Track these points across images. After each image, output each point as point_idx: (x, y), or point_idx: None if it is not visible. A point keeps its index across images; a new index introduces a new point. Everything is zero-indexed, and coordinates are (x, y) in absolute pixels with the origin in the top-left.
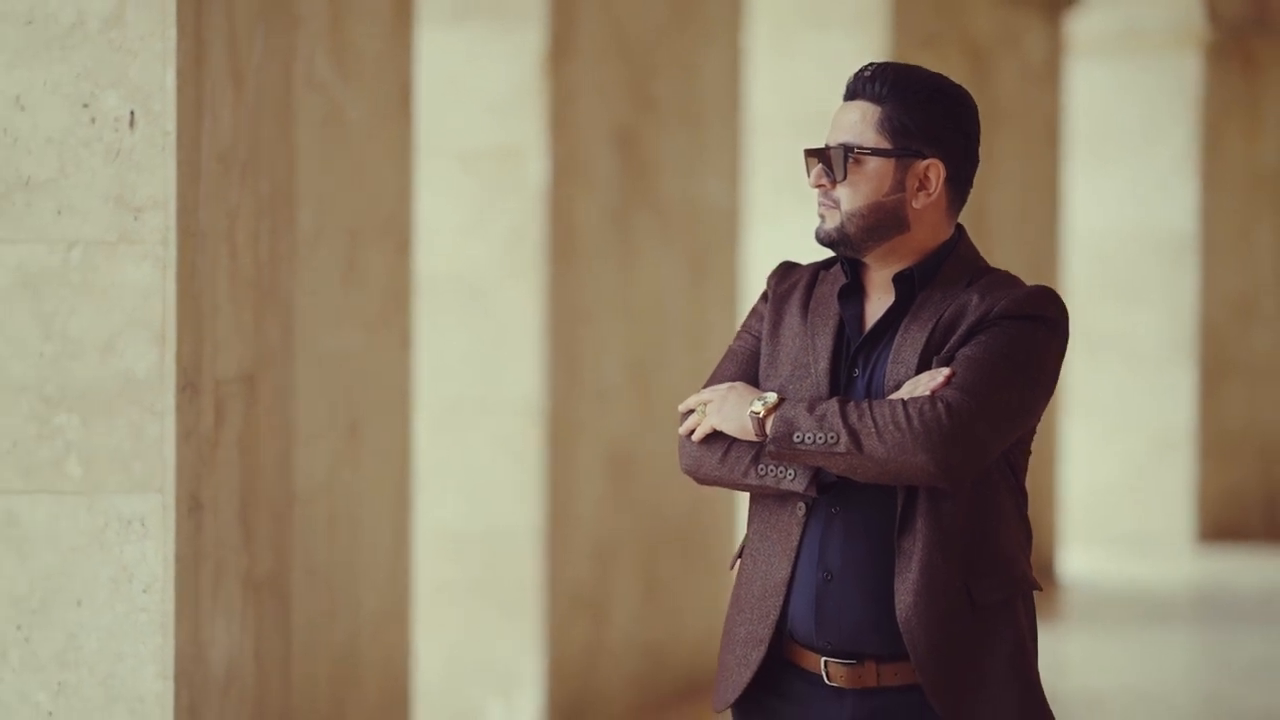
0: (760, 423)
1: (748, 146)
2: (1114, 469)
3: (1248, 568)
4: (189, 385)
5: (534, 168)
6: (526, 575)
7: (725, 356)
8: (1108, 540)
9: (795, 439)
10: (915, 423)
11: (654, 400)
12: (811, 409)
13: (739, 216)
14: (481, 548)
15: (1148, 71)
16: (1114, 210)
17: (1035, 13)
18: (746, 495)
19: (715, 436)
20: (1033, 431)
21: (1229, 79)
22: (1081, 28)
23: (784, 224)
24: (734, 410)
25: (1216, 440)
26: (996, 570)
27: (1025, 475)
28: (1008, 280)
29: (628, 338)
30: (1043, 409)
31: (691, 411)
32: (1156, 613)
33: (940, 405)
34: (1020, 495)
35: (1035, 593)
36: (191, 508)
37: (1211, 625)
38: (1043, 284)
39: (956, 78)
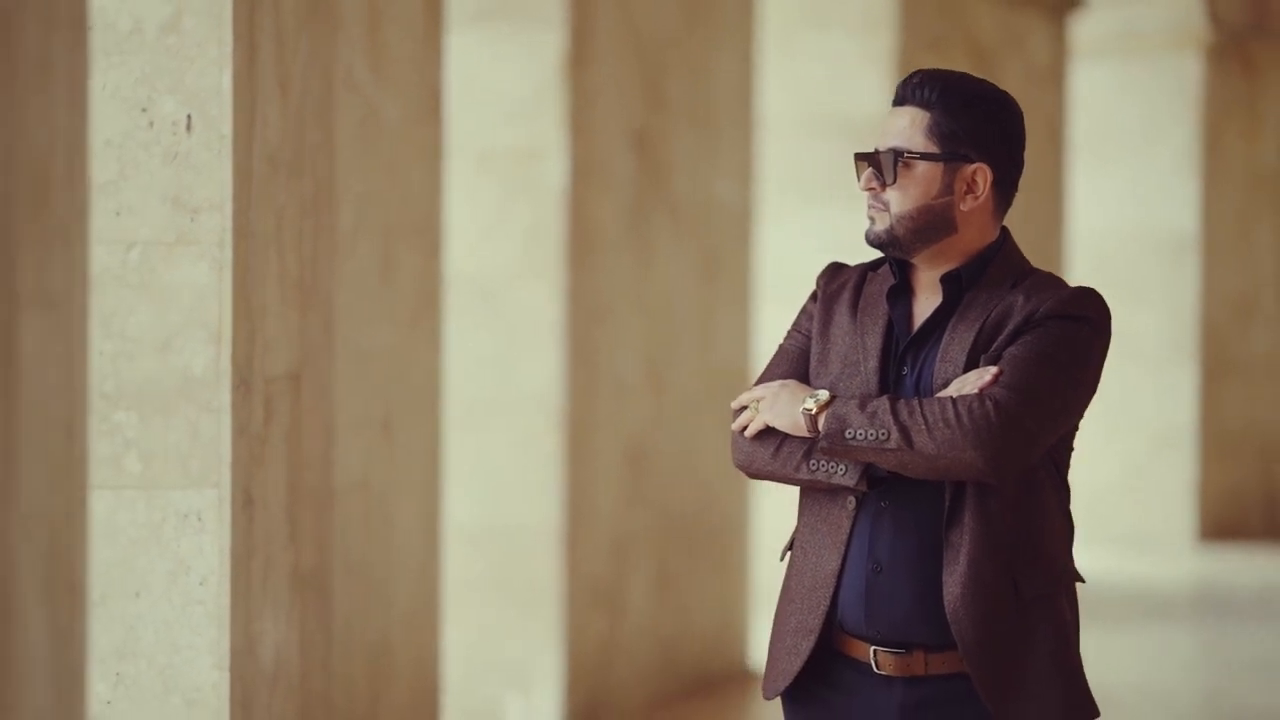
0: (813, 419)
1: (757, 147)
2: (1115, 468)
3: (1248, 566)
4: (243, 383)
5: (552, 168)
6: (544, 572)
7: (776, 355)
8: (1109, 539)
9: (847, 435)
10: (965, 420)
11: (667, 397)
12: (863, 406)
13: (750, 216)
14: (500, 545)
15: (1148, 73)
16: (1114, 210)
17: (1039, 15)
18: (763, 493)
19: (767, 432)
20: (1076, 429)
21: (1229, 80)
22: (1083, 29)
23: (788, 223)
24: (786, 407)
25: (1217, 439)
26: (1041, 563)
27: (1069, 471)
28: (1052, 281)
29: (643, 336)
30: (1086, 407)
31: (744, 408)
32: (1158, 611)
33: (989, 403)
34: (1064, 491)
35: (1078, 585)
36: (245, 503)
37: (1212, 623)
38: (1086, 285)
39: None
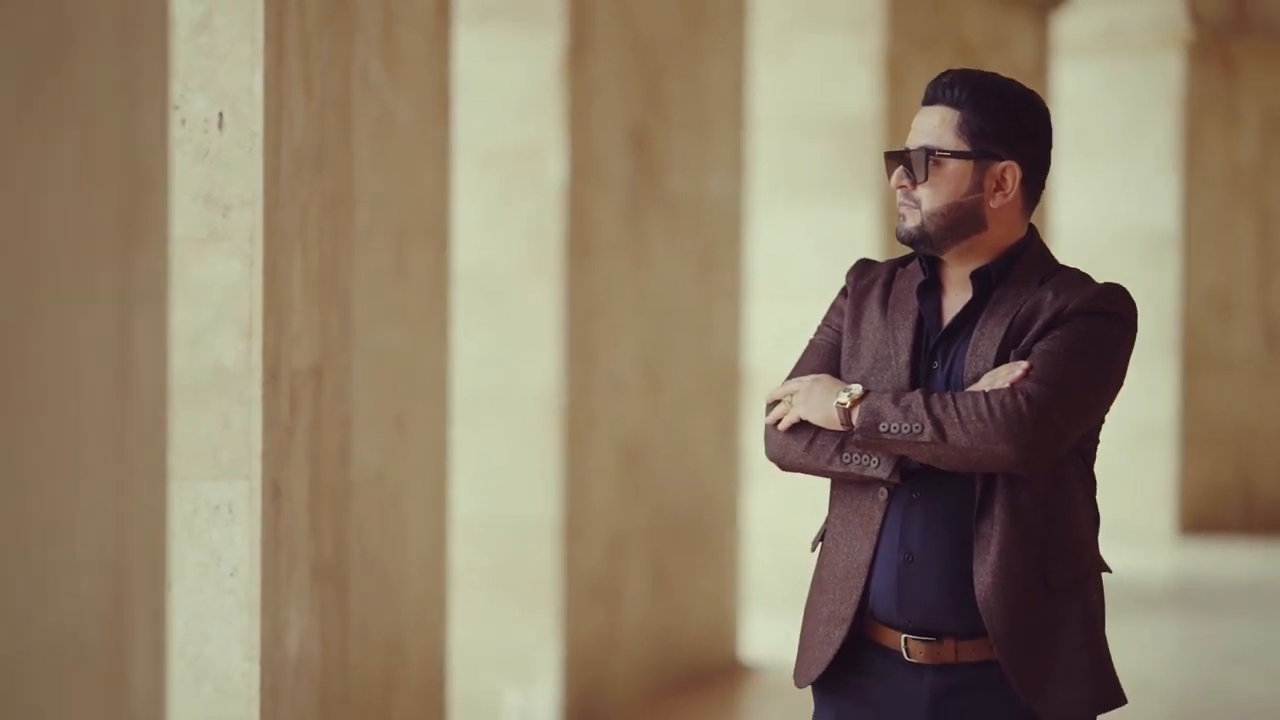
0: (846, 413)
1: (749, 146)
2: (1097, 462)
3: (1227, 560)
4: (272, 377)
5: (552, 167)
6: (543, 566)
7: (807, 350)
8: None
9: (881, 429)
10: (997, 414)
11: (663, 393)
12: (896, 400)
13: (743, 213)
14: (500, 539)
15: (1131, 71)
16: (1097, 207)
17: (1025, 14)
18: (755, 489)
19: (801, 426)
20: (1102, 422)
21: (1209, 78)
22: (1067, 28)
23: (780, 221)
24: (820, 401)
25: (1196, 434)
26: (1069, 553)
27: (1094, 462)
28: (1079, 278)
29: (640, 331)
30: (1113, 400)
31: (777, 402)
32: (1141, 604)
33: (1020, 397)
34: (1091, 483)
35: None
36: (273, 494)
37: (1196, 616)
38: (1112, 281)
39: None
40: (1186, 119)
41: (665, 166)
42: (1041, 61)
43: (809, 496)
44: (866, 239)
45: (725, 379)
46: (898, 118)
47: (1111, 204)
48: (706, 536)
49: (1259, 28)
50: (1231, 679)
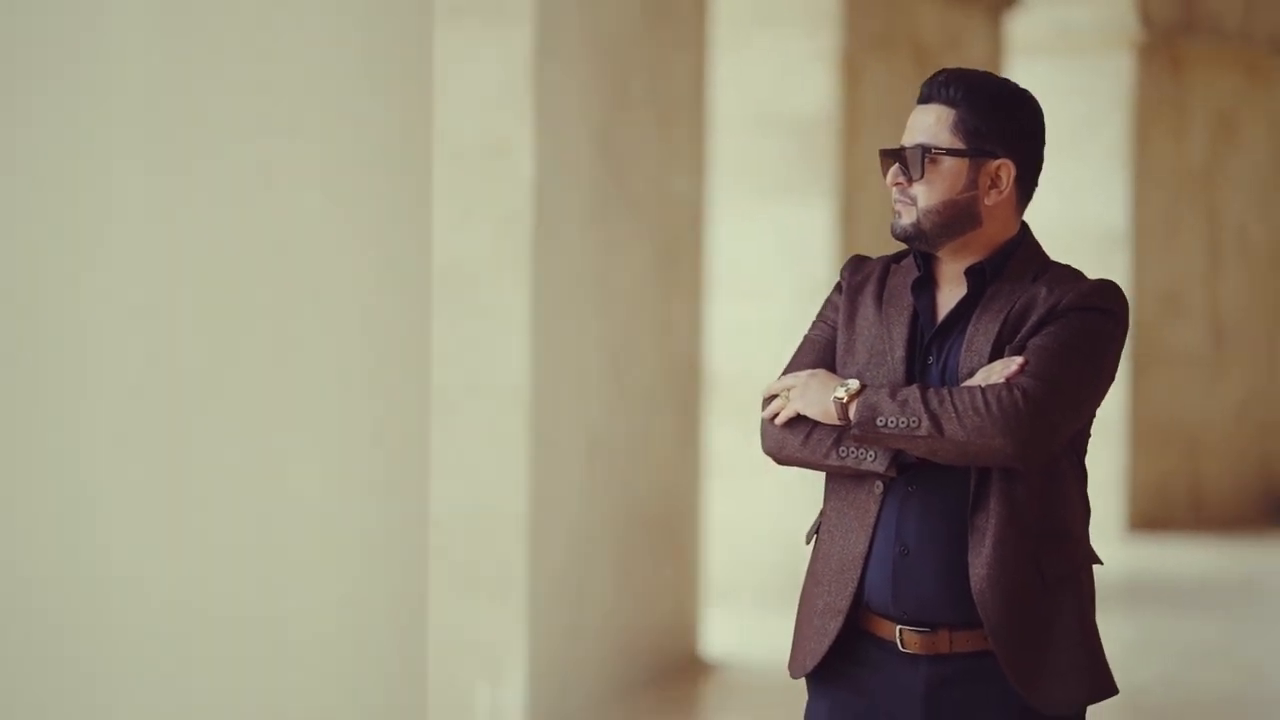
0: (843, 408)
1: (711, 143)
2: None
3: (1176, 557)
4: None
5: (520, 163)
6: (510, 560)
7: (803, 345)
8: None
9: (879, 423)
10: (994, 408)
11: (625, 388)
12: (893, 395)
13: (704, 209)
14: (468, 533)
15: (1081, 72)
16: (1048, 207)
17: (978, 13)
18: (715, 485)
19: (797, 420)
20: (1093, 417)
21: (1158, 79)
22: (1019, 28)
23: (740, 218)
24: (817, 396)
25: (1145, 432)
26: (1063, 546)
27: (1085, 456)
28: (1072, 274)
29: (604, 328)
30: (1105, 395)
31: (774, 396)
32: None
33: (1016, 392)
34: (1083, 477)
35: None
36: None
37: (1150, 613)
38: (1105, 278)
39: (904, 77)
40: (1136, 119)
41: (629, 163)
42: (995, 61)
43: (772, 494)
44: (824, 237)
45: (686, 375)
46: (854, 116)
47: (1062, 203)
48: (668, 532)
49: (1208, 29)
50: (1186, 675)
